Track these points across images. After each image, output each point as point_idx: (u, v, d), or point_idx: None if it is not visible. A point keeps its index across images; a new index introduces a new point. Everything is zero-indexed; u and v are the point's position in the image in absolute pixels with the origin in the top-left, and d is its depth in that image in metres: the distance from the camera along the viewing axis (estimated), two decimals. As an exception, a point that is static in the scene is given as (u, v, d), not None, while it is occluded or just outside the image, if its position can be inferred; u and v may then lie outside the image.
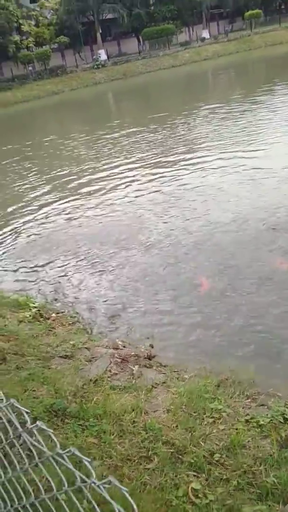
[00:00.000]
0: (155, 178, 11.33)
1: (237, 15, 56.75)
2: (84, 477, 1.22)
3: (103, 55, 48.32)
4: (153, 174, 11.70)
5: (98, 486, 1.15)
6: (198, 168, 11.40)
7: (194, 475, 2.93)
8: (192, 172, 11.23)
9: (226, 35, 51.82)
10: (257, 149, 12.02)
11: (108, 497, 1.12)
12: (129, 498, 1.13)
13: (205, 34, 52.84)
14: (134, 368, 4.43)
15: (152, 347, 4.95)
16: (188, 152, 13.30)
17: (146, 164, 12.84)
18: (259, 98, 19.49)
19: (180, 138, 15.33)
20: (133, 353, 4.79)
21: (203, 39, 51.37)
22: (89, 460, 1.25)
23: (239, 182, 9.80)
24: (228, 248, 6.96)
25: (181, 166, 11.94)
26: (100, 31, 49.63)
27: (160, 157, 13.32)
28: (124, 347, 5.05)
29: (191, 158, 12.50)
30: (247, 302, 5.56)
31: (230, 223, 7.79)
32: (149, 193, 10.37)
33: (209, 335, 5.14)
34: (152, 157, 13.58)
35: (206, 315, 5.47)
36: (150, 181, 11.27)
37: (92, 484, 1.17)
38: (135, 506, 1.11)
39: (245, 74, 33.35)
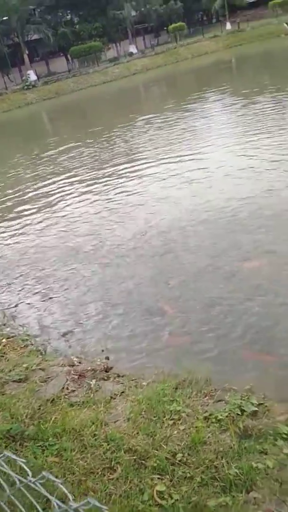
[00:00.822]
0: (93, 190, 11.48)
1: (161, 28, 58.50)
2: (59, 503, 1.20)
3: (32, 76, 48.02)
4: (90, 185, 11.88)
5: (77, 509, 1.14)
6: (136, 176, 11.67)
7: (158, 478, 2.95)
8: (131, 180, 11.48)
9: (153, 48, 53.22)
10: (192, 153, 12.44)
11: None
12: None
13: (132, 49, 53.93)
14: (91, 383, 4.40)
15: (108, 359, 4.94)
16: (126, 162, 13.52)
17: (84, 178, 12.96)
18: (190, 106, 20.13)
19: (116, 150, 15.55)
20: (89, 368, 4.76)
21: (131, 54, 52.38)
22: (61, 481, 1.23)
23: (177, 187, 10.08)
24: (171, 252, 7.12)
25: (119, 175, 12.21)
26: (27, 52, 49.41)
27: (97, 170, 13.48)
28: (79, 363, 5.00)
29: (128, 167, 12.75)
30: (197, 302, 5.68)
31: (171, 229, 7.96)
32: (89, 203, 10.51)
33: (163, 340, 5.20)
34: (89, 170, 13.72)
35: (157, 321, 5.54)
36: (87, 192, 11.41)
37: (71, 510, 1.15)
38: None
39: (175, 85, 34.36)
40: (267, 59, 34.84)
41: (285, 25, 45.20)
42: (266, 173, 9.53)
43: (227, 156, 11.51)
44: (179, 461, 3.10)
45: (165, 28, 56.42)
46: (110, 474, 3.00)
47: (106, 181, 12.10)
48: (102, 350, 5.14)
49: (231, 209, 8.12)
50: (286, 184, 8.64)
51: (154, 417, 3.61)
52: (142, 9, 56.27)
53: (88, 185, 12.19)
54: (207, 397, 3.97)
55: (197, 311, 5.54)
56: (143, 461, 3.13)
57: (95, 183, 12.25)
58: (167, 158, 12.70)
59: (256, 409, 3.64)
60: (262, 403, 3.74)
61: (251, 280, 5.89)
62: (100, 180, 12.36)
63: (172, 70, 42.75)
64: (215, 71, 35.69)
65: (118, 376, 4.63)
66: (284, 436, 3.24)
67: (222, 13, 57.10)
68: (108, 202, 10.39)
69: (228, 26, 53.51)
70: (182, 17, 57.17)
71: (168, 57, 48.64)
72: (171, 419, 3.59)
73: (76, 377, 4.56)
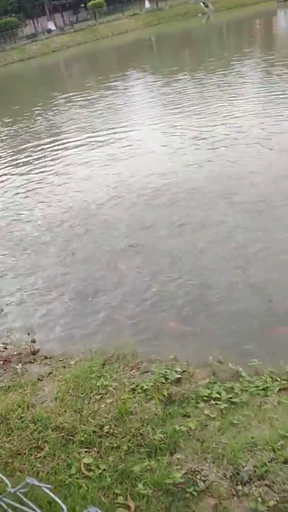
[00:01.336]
0: (12, 171, 11.15)
1: (80, 5, 56.92)
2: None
3: None
4: (9, 165, 11.51)
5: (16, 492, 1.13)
6: (57, 155, 11.51)
7: (86, 451, 3.00)
8: (52, 159, 11.27)
9: (72, 26, 51.76)
10: (114, 131, 12.43)
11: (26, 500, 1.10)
12: (51, 494, 1.12)
13: (51, 25, 52.13)
14: (17, 367, 4.33)
15: (34, 342, 4.88)
16: (47, 141, 13.20)
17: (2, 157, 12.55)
18: (112, 84, 19.94)
19: (37, 129, 15.14)
20: (15, 353, 4.68)
21: (49, 31, 50.62)
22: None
23: (99, 165, 10.05)
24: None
25: (40, 155, 11.95)
26: None
27: (16, 149, 13.06)
28: (5, 348, 4.90)
29: (49, 147, 12.51)
30: (119, 279, 5.74)
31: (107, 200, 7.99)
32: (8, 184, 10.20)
33: (89, 318, 5.22)
34: (8, 149, 13.28)
35: (82, 299, 5.55)
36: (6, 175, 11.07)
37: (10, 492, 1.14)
38: (57, 500, 1.11)
39: (97, 63, 33.77)
40: (186, 38, 35.22)
41: (202, 4, 45.80)
42: (187, 149, 9.76)
43: (149, 133, 11.63)
44: (106, 432, 3.16)
45: (84, 5, 54.97)
46: (37, 453, 3.00)
47: (26, 161, 11.76)
48: (28, 334, 5.06)
49: (152, 186, 8.26)
50: (206, 159, 8.90)
51: (82, 393, 3.64)
52: (59, -17, 54.28)
53: (6, 166, 11.78)
54: (133, 370, 4.06)
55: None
56: (70, 437, 3.16)
57: (15, 162, 11.87)
58: (88, 136, 12.57)
59: (180, 376, 3.79)
60: (185, 370, 3.90)
61: (159, 254, 6.06)
62: (20, 160, 11.99)
63: (92, 48, 41.92)
64: (135, 49, 35.54)
65: (46, 358, 4.60)
66: (205, 398, 3.41)
67: (140, -9, 56.44)
68: (28, 182, 10.13)
69: (147, 4, 53.25)
70: (101, -6, 55.87)
71: (88, 34, 47.60)
72: (99, 394, 3.64)
73: (1, 363, 4.48)
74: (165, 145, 10.35)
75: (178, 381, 3.75)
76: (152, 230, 6.79)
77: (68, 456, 2.96)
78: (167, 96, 15.56)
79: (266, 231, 6.06)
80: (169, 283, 5.48)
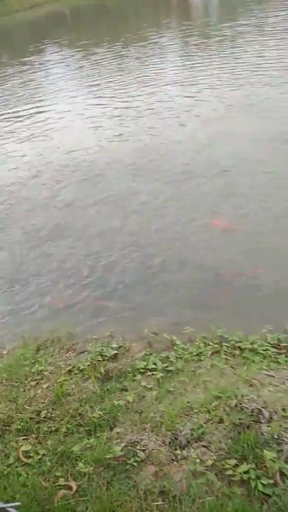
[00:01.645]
0: None
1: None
2: None
3: None
4: None
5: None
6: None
7: (24, 439, 2.93)
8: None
9: (-20, -1, 48.55)
10: (33, 106, 12.02)
11: None
12: None
13: None
14: None
15: None
16: None
17: None
18: (27, 59, 19.11)
19: None
20: None
21: None
22: None
23: (17, 141, 9.68)
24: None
25: None
26: None
27: None
28: None
29: None
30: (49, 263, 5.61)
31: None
32: None
33: (21, 304, 5.06)
34: None
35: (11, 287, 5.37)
36: None
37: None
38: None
39: (10, 38, 32.08)
40: (102, 10, 34.32)
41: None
42: (109, 122, 9.63)
43: (69, 107, 11.37)
44: (44, 417, 3.11)
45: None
46: (-28, 448, 2.89)
47: None
48: None
49: (73, 159, 8.11)
50: (129, 131, 8.83)
51: (16, 382, 3.55)
52: None
53: None
54: (69, 352, 4.02)
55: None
56: (7, 427, 3.07)
57: None
58: (5, 114, 12.03)
59: (116, 352, 3.80)
60: (121, 346, 3.91)
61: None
62: None
63: (4, 23, 39.69)
64: (50, 23, 34.16)
65: (-24, 351, 4.42)
66: (142, 370, 3.45)
67: None
68: None
69: (59, -25, 51.04)
70: None
71: (-2, 8, 44.91)
72: (34, 380, 3.56)
73: None
74: (88, 118, 10.16)
75: (114, 357, 3.76)
76: (76, 208, 6.66)
77: (5, 446, 2.88)
78: (86, 70, 15.21)
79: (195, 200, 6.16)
80: (101, 260, 5.42)
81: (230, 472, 2.40)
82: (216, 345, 3.67)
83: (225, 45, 14.30)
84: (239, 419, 2.71)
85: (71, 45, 21.05)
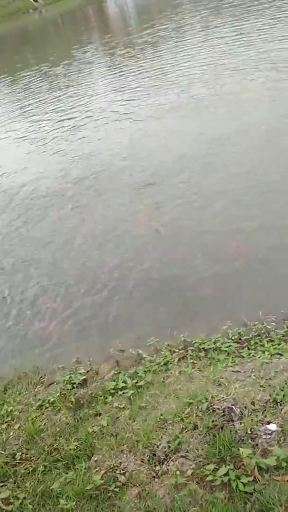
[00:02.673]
0: None
1: None
2: None
3: None
4: None
5: None
6: None
7: (2, 485, 2.83)
8: None
9: None
10: None
11: None
12: None
13: None
14: None
15: None
16: None
17: None
18: None
19: None
20: None
21: None
22: None
23: None
24: None
25: None
26: None
27: None
28: None
29: None
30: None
31: None
32: None
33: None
34: None
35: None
36: None
37: None
38: None
39: None
40: (23, 36, 34.23)
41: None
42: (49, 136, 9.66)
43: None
44: (20, 459, 3.02)
45: None
46: None
47: None
48: None
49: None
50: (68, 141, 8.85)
51: (-14, 428, 3.43)
52: None
53: None
54: (38, 386, 3.92)
55: None
56: (-17, 477, 2.96)
57: None
58: None
59: (85, 377, 3.75)
60: (90, 370, 3.87)
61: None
62: None
63: None
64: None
65: None
66: (112, 391, 3.42)
67: None
68: None
69: (-27, 6, 50.56)
70: None
71: None
72: (5, 423, 3.45)
73: None
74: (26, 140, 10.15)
75: (84, 382, 3.71)
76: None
77: (-17, 498, 2.77)
78: (17, 94, 15.19)
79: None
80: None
81: (210, 477, 2.40)
82: (182, 351, 3.69)
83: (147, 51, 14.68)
84: (212, 421, 2.72)
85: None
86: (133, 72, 12.82)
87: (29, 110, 12.65)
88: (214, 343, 3.58)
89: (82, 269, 5.38)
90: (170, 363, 3.58)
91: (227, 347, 3.50)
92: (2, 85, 17.64)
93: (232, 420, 2.70)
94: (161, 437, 2.78)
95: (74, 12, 37.26)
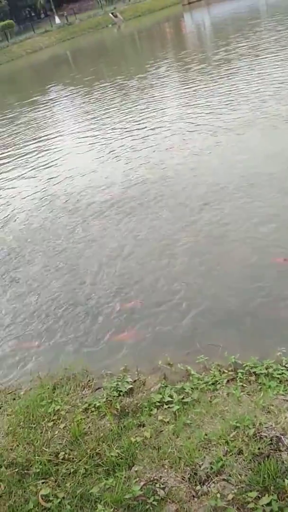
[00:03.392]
0: None
1: (-10, 28, 56.12)
2: None
3: None
4: None
5: None
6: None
7: (43, 482, 2.90)
8: None
9: (-16, 49, 50.80)
10: (39, 141, 12.43)
11: None
12: None
13: None
14: None
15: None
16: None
17: None
18: (35, 98, 19.92)
19: None
20: None
21: None
22: None
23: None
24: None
25: None
26: None
27: None
28: None
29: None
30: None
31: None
32: None
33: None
34: None
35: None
36: None
37: None
38: None
39: (15, 83, 33.31)
40: (100, 49, 35.53)
41: (111, 15, 46.40)
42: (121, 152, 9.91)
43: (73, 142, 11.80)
44: (63, 459, 3.08)
45: (-7, 27, 54.21)
46: (-8, 495, 2.87)
47: None
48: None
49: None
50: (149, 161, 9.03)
51: (33, 424, 3.53)
52: None
53: None
54: (85, 389, 3.99)
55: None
56: (26, 471, 3.05)
57: None
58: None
59: (132, 386, 3.78)
60: (136, 379, 3.89)
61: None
62: None
63: (9, 69, 41.32)
64: (52, 65, 35.42)
65: (-8, 393, 4.43)
66: (158, 404, 3.41)
67: (49, 8, 56.59)
68: None
69: (57, 20, 53.29)
70: (9, 15, 55.51)
71: (1, 56, 46.94)
72: (51, 421, 3.54)
73: None
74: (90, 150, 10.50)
75: (130, 391, 3.73)
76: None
77: (24, 491, 2.85)
78: (91, 103, 15.84)
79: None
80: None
81: (252, 505, 2.34)
82: (231, 372, 3.62)
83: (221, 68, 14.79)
84: (258, 448, 2.66)
85: (74, 83, 21.82)
86: (207, 87, 13.00)
87: (101, 118, 13.28)
88: (266, 369, 3.49)
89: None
90: (219, 383, 3.53)
91: (279, 374, 3.40)
92: (77, 95, 18.42)
93: (280, 450, 2.62)
94: (204, 457, 2.75)
95: (151, 28, 38.17)
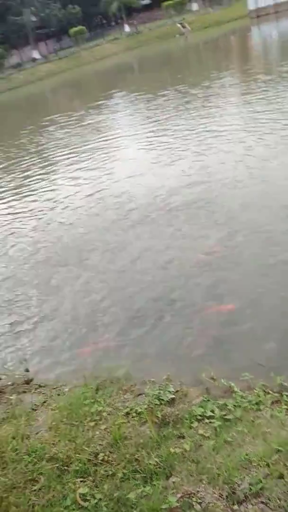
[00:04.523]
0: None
1: (63, 33, 58.16)
2: None
3: None
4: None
5: None
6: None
7: (81, 481, 2.97)
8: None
9: (56, 53, 52.81)
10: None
11: None
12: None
13: (36, 54, 53.23)
14: (12, 397, 4.30)
15: (28, 371, 4.86)
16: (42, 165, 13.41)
17: None
18: (101, 104, 20.57)
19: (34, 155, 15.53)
20: (9, 383, 4.65)
21: (34, 60, 51.67)
22: None
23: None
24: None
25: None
26: None
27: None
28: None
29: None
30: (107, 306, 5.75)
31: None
32: None
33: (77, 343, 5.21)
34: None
35: (68, 325, 5.55)
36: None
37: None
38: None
39: (84, 88, 34.43)
40: (165, 59, 35.94)
41: (179, 25, 46.80)
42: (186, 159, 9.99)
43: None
44: (102, 460, 3.14)
45: (66, 32, 56.18)
46: (32, 486, 2.97)
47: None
48: (21, 362, 5.03)
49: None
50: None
51: (76, 421, 3.61)
52: (42, 14, 55.59)
53: None
54: (127, 393, 4.04)
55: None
56: (65, 467, 3.13)
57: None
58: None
59: (173, 396, 3.78)
60: (179, 390, 3.89)
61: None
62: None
63: (78, 74, 42.69)
64: (119, 72, 36.22)
65: (40, 386, 4.56)
66: (199, 417, 3.40)
67: (119, 16, 57.92)
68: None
69: (127, 28, 54.46)
70: (82, 21, 57.33)
71: (72, 61, 48.61)
72: (93, 421, 3.61)
73: (-5, 394, 4.44)
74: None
75: (172, 401, 3.73)
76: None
77: (63, 487, 2.93)
78: (153, 110, 16.26)
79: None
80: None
81: (290, 533, 2.28)
82: (276, 394, 3.55)
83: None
84: (300, 475, 2.59)
85: (137, 90, 22.28)
86: (272, 99, 12.85)
87: (161, 124, 13.76)
88: (314, 394, 3.40)
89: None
90: (263, 403, 3.46)
91: None
92: (140, 101, 18.82)
93: None
94: (243, 477, 2.71)
95: (217, 39, 38.16)
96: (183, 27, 46.96)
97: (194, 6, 53.27)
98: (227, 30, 40.87)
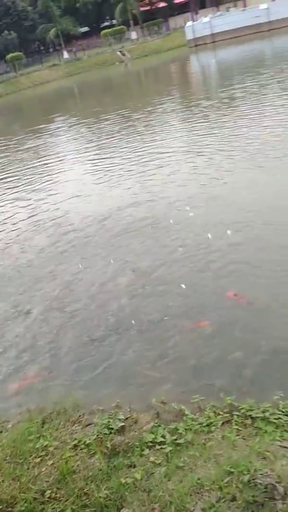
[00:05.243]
0: None
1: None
2: None
3: None
4: None
5: None
6: None
7: (27, 523, 2.78)
8: None
9: (-8, 78, 52.20)
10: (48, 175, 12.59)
11: None
12: None
13: (-29, 79, 52.18)
14: None
15: None
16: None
17: None
18: (42, 128, 20.35)
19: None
20: None
21: None
22: None
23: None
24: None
25: None
26: None
27: None
28: None
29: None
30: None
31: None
32: None
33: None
34: None
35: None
36: None
37: None
38: None
39: (21, 113, 34.08)
40: (106, 85, 36.58)
41: (119, 53, 47.91)
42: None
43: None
44: (49, 497, 2.97)
45: (3, 58, 55.85)
46: (-27, 534, 2.74)
47: None
48: None
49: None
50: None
51: (20, 459, 3.41)
52: (-24, 39, 55.02)
53: None
54: (75, 425, 3.88)
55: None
56: (10, 509, 2.93)
57: None
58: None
59: (123, 424, 3.67)
60: (129, 417, 3.79)
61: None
62: None
63: (15, 99, 42.35)
64: (58, 98, 36.38)
65: (-21, 425, 4.29)
66: (150, 444, 3.32)
67: (58, 43, 58.50)
68: None
69: (66, 55, 55.01)
70: (19, 47, 57.31)
71: (9, 86, 48.27)
72: (39, 457, 3.42)
73: None
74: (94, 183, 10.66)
75: (122, 429, 3.62)
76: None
77: (7, 532, 2.73)
78: (95, 135, 16.42)
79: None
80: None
81: None
82: (227, 415, 3.54)
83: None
84: (253, 496, 2.57)
85: (79, 114, 22.43)
86: (214, 124, 13.34)
87: (104, 148, 13.76)
88: (263, 412, 3.41)
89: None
90: (213, 425, 3.44)
91: (276, 419, 3.32)
92: (83, 125, 18.98)
93: (274, 499, 2.54)
94: (196, 502, 2.66)
95: (157, 68, 39.39)
96: (123, 54, 48.08)
97: (133, 35, 54.78)
98: (167, 58, 42.28)
